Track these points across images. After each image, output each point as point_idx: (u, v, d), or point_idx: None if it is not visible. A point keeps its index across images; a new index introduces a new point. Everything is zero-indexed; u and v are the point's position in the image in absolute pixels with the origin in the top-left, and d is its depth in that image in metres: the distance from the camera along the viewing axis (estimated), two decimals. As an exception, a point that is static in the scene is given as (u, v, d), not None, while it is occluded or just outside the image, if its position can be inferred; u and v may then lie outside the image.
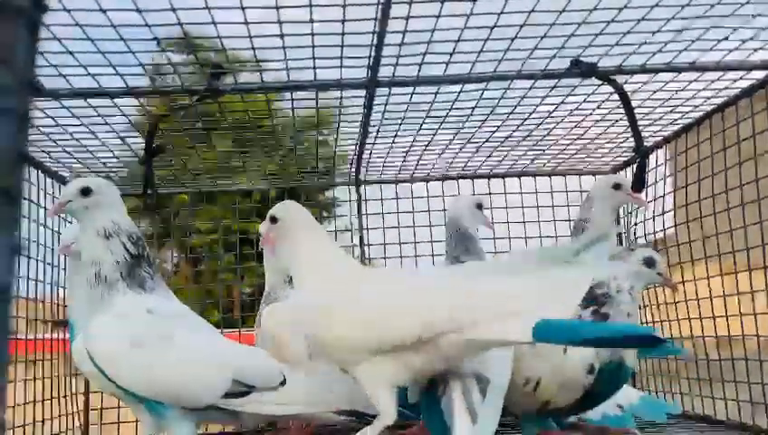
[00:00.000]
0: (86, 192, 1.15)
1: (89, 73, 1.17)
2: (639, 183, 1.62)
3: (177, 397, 1.15)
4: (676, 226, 1.68)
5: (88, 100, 1.23)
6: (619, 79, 1.36)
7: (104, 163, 1.68)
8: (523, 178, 2.03)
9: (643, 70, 1.33)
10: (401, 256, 1.98)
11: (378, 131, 1.62)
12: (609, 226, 1.41)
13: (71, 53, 1.10)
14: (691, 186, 1.62)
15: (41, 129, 1.40)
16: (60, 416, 1.66)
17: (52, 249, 1.64)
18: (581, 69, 1.29)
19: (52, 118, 1.35)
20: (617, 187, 1.43)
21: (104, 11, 0.97)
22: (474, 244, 1.56)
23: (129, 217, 1.20)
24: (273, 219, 1.18)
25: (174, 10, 0.99)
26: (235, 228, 2.00)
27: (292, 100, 1.37)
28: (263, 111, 1.50)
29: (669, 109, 1.57)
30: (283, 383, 1.21)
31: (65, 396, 1.70)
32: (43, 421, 1.57)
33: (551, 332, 0.89)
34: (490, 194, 2.02)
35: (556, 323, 0.89)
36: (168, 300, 1.24)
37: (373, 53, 1.16)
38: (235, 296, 2.20)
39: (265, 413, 1.23)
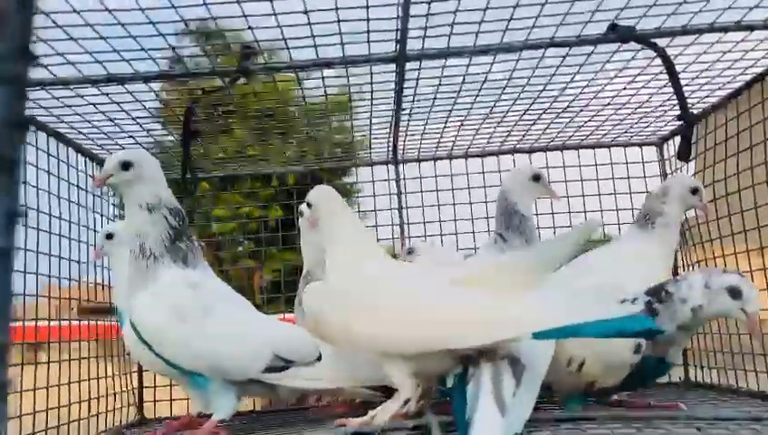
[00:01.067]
0: (126, 166, 1.16)
1: (123, 58, 1.20)
2: (686, 153, 1.55)
3: (220, 370, 1.18)
4: (715, 199, 1.61)
5: (125, 85, 1.26)
6: (661, 42, 1.30)
7: (140, 144, 1.72)
8: (565, 151, 1.98)
9: (684, 31, 1.26)
10: (441, 235, 1.96)
11: (411, 109, 1.60)
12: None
13: (103, 37, 1.12)
14: (732, 157, 1.55)
15: (75, 109, 1.43)
16: (115, 393, 1.72)
17: (95, 230, 1.70)
18: (619, 33, 1.24)
19: (90, 102, 1.40)
20: (695, 191, 1.40)
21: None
22: (519, 220, 1.47)
23: (170, 191, 1.22)
24: (309, 204, 1.23)
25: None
26: (255, 214, 2.03)
27: (323, 78, 1.37)
28: (273, 95, 1.51)
29: (716, 73, 1.49)
30: (318, 359, 1.23)
31: (121, 374, 1.77)
32: (98, 398, 1.64)
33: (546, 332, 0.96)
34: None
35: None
36: (209, 276, 1.26)
37: (400, 26, 1.14)
38: (255, 281, 2.23)
39: (301, 387, 1.25)
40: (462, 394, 1.02)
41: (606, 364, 1.21)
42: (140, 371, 1.84)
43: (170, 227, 1.18)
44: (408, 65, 1.31)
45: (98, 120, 1.51)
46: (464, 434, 0.94)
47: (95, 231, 1.69)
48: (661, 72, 1.44)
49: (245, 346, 1.19)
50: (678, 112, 1.54)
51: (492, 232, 1.61)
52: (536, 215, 1.69)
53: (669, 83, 1.44)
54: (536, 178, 1.49)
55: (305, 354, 1.22)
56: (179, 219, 1.20)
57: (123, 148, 1.67)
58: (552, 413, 1.28)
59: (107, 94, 1.33)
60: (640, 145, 1.98)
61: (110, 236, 1.50)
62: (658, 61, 1.38)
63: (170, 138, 1.71)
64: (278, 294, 1.91)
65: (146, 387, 1.85)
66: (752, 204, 1.46)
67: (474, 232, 1.95)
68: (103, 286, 1.74)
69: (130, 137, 1.64)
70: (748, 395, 1.51)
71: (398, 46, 1.22)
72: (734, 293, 1.12)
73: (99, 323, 1.71)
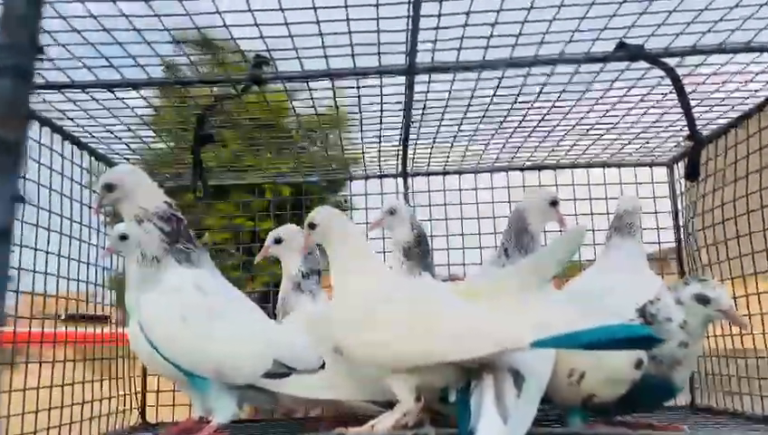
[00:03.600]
0: (110, 187, 1.22)
1: (138, 64, 1.23)
2: (693, 174, 1.55)
3: (219, 372, 1.18)
4: (723, 221, 1.61)
5: (139, 90, 1.29)
6: (670, 62, 1.31)
7: (155, 151, 1.75)
8: (574, 169, 1.98)
9: (693, 51, 1.27)
10: (448, 248, 1.96)
11: (421, 122, 1.61)
12: None
13: (119, 42, 1.15)
14: (742, 180, 1.55)
15: (90, 113, 1.46)
16: (118, 396, 1.73)
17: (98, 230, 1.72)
18: (628, 51, 1.25)
19: (109, 109, 1.42)
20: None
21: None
22: (530, 241, 1.47)
23: (157, 195, 1.25)
24: (312, 225, 1.22)
25: (214, -1, 1.02)
26: (246, 224, 2.03)
27: (333, 89, 1.38)
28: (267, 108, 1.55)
29: (725, 94, 1.49)
30: (322, 367, 1.23)
31: (123, 377, 1.78)
32: (101, 401, 1.64)
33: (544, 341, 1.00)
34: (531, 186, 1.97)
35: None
36: (213, 276, 1.27)
37: (410, 39, 1.15)
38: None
39: (302, 396, 1.24)
40: (465, 405, 1.04)
41: (606, 377, 1.20)
42: (144, 374, 1.85)
43: (163, 233, 1.21)
44: (418, 78, 1.32)
45: (111, 124, 1.54)
46: None
47: (98, 230, 1.72)
48: (671, 92, 1.44)
49: (245, 350, 1.19)
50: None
51: (498, 246, 1.61)
52: (544, 232, 1.69)
53: (671, 107, 1.45)
54: (554, 203, 1.49)
55: (307, 362, 1.22)
56: (172, 223, 1.23)
57: (134, 151, 1.70)
58: (552, 429, 1.28)
59: (121, 99, 1.36)
60: (650, 165, 1.98)
61: (123, 238, 1.51)
62: (667, 80, 1.39)
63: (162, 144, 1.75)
64: (267, 304, 1.91)
65: (149, 391, 1.85)
66: (760, 227, 1.46)
67: (480, 247, 1.96)
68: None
69: (142, 141, 1.67)
70: (754, 420, 1.49)
71: (407, 59, 1.23)
72: (702, 299, 1.17)
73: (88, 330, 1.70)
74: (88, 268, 1.66)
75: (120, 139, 1.64)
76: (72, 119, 1.47)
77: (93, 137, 1.62)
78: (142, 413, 1.82)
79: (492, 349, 1.01)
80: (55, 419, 1.45)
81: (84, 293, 1.70)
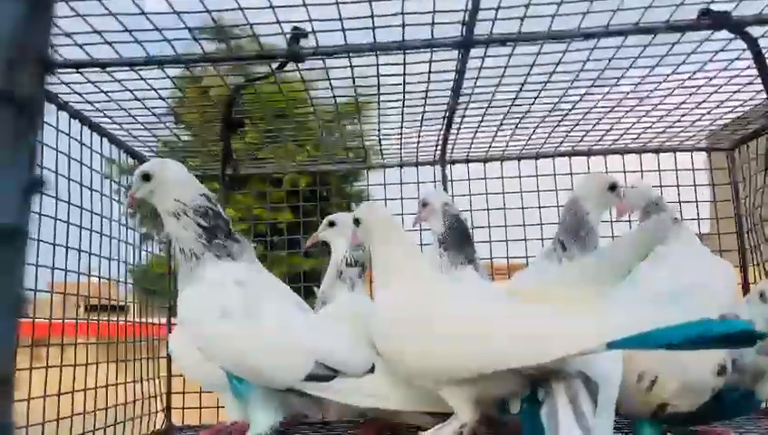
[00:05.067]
0: (147, 177, 1.15)
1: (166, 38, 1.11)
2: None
3: (257, 375, 1.10)
4: None
5: (164, 68, 1.17)
6: (756, 31, 1.16)
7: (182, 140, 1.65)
8: (626, 155, 1.84)
9: (788, 18, 1.12)
10: (490, 241, 1.83)
11: (468, 104, 1.48)
12: None
13: (144, 13, 1.03)
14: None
15: (110, 95, 1.36)
16: (143, 399, 1.64)
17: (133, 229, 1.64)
18: (712, 19, 1.10)
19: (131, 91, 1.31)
20: None
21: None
22: (587, 232, 1.35)
23: (195, 189, 1.17)
24: (357, 221, 1.18)
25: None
26: (264, 216, 1.96)
27: (378, 66, 1.25)
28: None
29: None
30: (371, 371, 1.12)
31: (148, 379, 1.69)
32: (125, 404, 1.56)
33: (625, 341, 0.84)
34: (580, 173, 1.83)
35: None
36: (256, 270, 1.19)
37: (470, 6, 1.02)
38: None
39: (347, 403, 1.13)
40: (534, 418, 0.91)
41: (682, 383, 1.08)
42: (169, 375, 1.76)
43: (201, 228, 1.14)
44: (472, 53, 1.19)
45: (130, 106, 1.42)
46: None
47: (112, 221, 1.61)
48: (748, 67, 1.30)
49: (285, 350, 1.10)
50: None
51: (551, 239, 1.47)
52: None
53: (754, 79, 1.30)
54: (613, 187, 1.37)
55: (354, 365, 1.11)
56: (210, 217, 1.15)
57: (158, 138, 1.61)
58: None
59: (145, 79, 1.24)
60: (709, 150, 1.84)
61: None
62: (746, 53, 1.25)
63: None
64: None
65: (174, 393, 1.76)
66: None
67: (525, 239, 1.83)
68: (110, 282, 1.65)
69: (164, 127, 1.57)
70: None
71: (464, 30, 1.10)
72: (763, 296, 1.10)
73: (110, 322, 1.60)
74: (110, 263, 1.57)
75: (143, 125, 1.53)
76: (91, 102, 1.36)
77: (114, 122, 1.51)
78: (168, 416, 1.73)
79: (560, 352, 0.88)
80: (78, 423, 1.36)
81: (102, 284, 1.61)
